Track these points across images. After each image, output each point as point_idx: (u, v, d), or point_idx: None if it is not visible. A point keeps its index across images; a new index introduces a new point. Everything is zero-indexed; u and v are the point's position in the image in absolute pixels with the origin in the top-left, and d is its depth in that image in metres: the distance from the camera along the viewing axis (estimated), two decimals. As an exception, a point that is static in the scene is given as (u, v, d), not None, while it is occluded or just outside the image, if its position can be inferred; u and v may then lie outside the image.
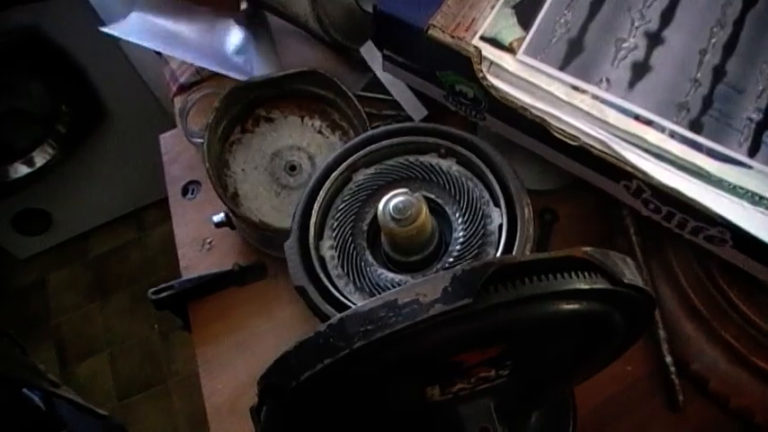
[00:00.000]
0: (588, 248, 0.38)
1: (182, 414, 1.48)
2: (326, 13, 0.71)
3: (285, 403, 0.38)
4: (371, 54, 0.67)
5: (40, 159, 1.35)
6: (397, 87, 0.68)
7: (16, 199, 1.47)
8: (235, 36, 0.71)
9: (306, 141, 0.65)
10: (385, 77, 0.67)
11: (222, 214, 0.68)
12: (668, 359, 0.59)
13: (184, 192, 0.73)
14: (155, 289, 0.65)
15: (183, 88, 0.78)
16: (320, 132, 0.66)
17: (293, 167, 0.65)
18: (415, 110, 0.69)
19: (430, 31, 0.56)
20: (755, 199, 0.55)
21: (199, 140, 0.70)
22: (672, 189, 0.54)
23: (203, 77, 0.78)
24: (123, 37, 0.72)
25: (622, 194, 0.58)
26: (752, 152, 0.57)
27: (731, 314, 0.59)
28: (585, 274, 0.37)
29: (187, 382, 1.50)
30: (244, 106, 0.65)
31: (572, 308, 0.37)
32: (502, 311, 0.35)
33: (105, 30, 0.72)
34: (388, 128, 0.50)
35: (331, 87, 0.65)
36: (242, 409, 0.65)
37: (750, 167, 0.56)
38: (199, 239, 0.70)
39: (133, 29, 0.73)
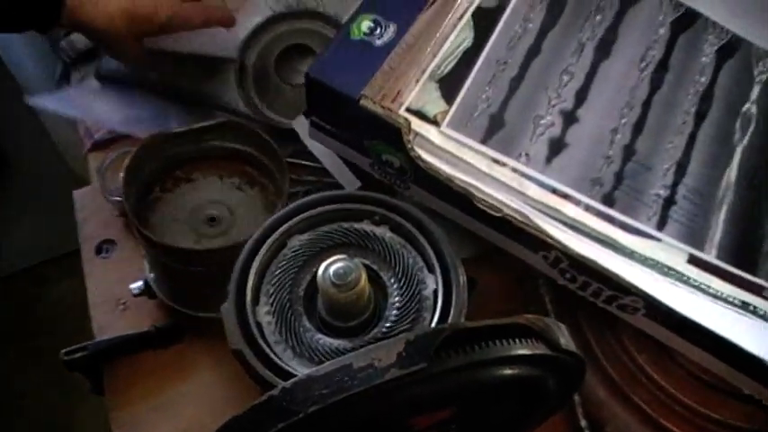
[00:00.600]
0: (529, 316, 0.40)
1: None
2: (255, 94, 0.73)
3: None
4: (302, 127, 0.68)
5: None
6: (329, 159, 0.70)
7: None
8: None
9: (225, 197, 0.66)
10: (317, 149, 0.68)
11: (141, 282, 0.67)
12: (583, 423, 0.62)
13: (98, 250, 0.71)
14: (67, 350, 0.64)
15: (98, 145, 0.77)
16: (239, 188, 0.67)
17: (213, 219, 0.65)
18: (349, 182, 0.70)
19: (362, 101, 0.58)
20: (665, 270, 0.59)
21: (116, 198, 0.70)
22: (588, 260, 0.58)
23: (119, 134, 0.77)
24: (47, 107, 0.73)
25: (540, 264, 0.61)
26: (660, 226, 0.61)
27: (641, 379, 0.63)
28: (528, 340, 0.39)
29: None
30: (162, 163, 0.65)
31: (515, 372, 0.39)
32: (454, 376, 0.37)
33: (32, 102, 0.72)
34: (323, 195, 0.52)
35: (250, 140, 0.66)
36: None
37: (659, 240, 0.61)
38: (112, 300, 0.69)
39: (55, 102, 0.74)
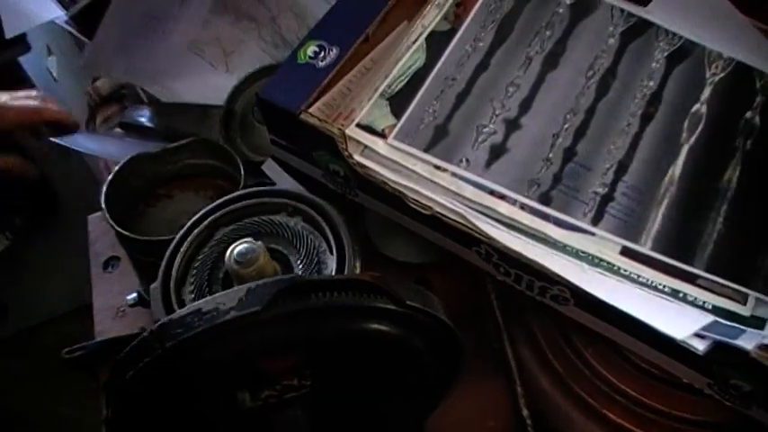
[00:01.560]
0: (374, 273, 0.45)
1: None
2: (238, 134, 0.82)
3: (119, 401, 0.45)
4: (272, 169, 0.76)
5: (-5, 248, 1.46)
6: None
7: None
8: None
9: (199, 207, 0.73)
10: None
11: (135, 294, 0.76)
12: (525, 412, 0.65)
13: (105, 266, 0.81)
14: (69, 349, 0.72)
15: (111, 176, 0.88)
16: (211, 199, 0.73)
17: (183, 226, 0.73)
18: None
19: (302, 116, 0.65)
20: (595, 261, 0.62)
21: (117, 220, 0.80)
22: (513, 251, 0.62)
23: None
24: (70, 145, 0.84)
25: (476, 260, 0.65)
26: (595, 221, 0.64)
27: (585, 371, 0.65)
28: (369, 294, 0.44)
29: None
30: (145, 181, 0.74)
31: (360, 326, 0.44)
32: (288, 320, 0.43)
33: (54, 140, 0.84)
34: (245, 191, 0.59)
35: (216, 154, 0.75)
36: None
37: (593, 234, 0.64)
38: (113, 308, 0.78)
39: (78, 142, 0.86)
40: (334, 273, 0.54)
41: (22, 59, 1.14)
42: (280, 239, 0.57)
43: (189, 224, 0.58)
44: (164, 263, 0.56)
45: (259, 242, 0.53)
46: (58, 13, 0.81)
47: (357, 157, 0.66)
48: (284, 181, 0.77)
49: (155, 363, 0.43)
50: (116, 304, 0.78)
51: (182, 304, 0.55)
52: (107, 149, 0.85)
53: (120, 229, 0.67)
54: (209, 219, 0.58)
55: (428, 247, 0.71)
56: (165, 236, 0.72)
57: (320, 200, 0.58)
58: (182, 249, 0.57)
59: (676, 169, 0.67)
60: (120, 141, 0.86)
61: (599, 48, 0.73)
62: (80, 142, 0.84)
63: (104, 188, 0.70)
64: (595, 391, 0.64)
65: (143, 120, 0.87)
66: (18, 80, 1.16)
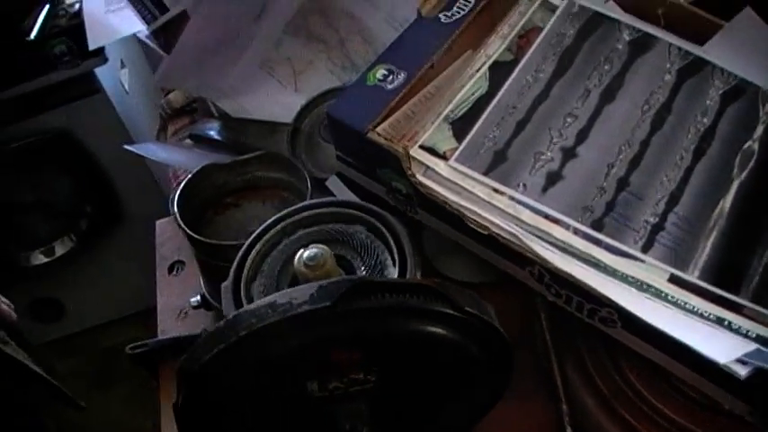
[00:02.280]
0: (437, 280, 0.49)
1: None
2: (303, 151, 0.87)
3: (193, 386, 0.50)
4: (336, 185, 0.81)
5: (59, 250, 1.52)
6: None
7: (33, 286, 1.64)
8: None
9: (265, 215, 0.78)
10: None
11: (198, 296, 0.81)
12: (569, 430, 0.68)
13: (170, 269, 0.87)
14: (133, 345, 0.78)
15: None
16: (278, 209, 0.78)
17: (252, 233, 0.77)
18: None
19: (369, 134, 0.70)
20: (643, 287, 0.66)
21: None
22: (564, 272, 0.65)
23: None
24: (142, 153, 0.90)
25: (529, 280, 0.69)
26: (645, 249, 0.68)
27: (629, 394, 0.68)
28: (430, 298, 0.48)
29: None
30: (214, 190, 0.79)
31: (414, 326, 0.48)
32: (356, 318, 0.47)
33: (128, 147, 0.90)
34: (314, 201, 0.64)
35: (284, 167, 0.80)
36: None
37: (642, 261, 0.67)
38: (176, 309, 0.83)
39: (150, 150, 0.92)
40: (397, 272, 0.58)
41: (98, 71, 1.21)
42: (345, 247, 0.61)
43: (261, 228, 0.63)
44: (236, 263, 0.61)
45: (325, 247, 0.57)
46: (140, 27, 0.87)
47: (419, 177, 0.70)
48: (347, 197, 0.81)
49: (228, 349, 0.48)
50: (179, 306, 0.83)
51: (250, 301, 0.59)
52: (177, 159, 0.91)
53: (191, 233, 0.72)
54: (280, 225, 0.63)
55: (483, 267, 0.75)
56: (233, 241, 0.78)
57: (384, 212, 0.62)
58: (253, 251, 0.61)
59: (726, 203, 0.70)
60: (189, 152, 0.92)
61: (656, 83, 0.76)
62: (152, 151, 0.90)
63: (176, 195, 0.75)
64: (639, 414, 0.67)
65: (212, 133, 0.92)
66: (93, 90, 1.24)
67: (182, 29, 0.85)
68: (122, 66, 1.17)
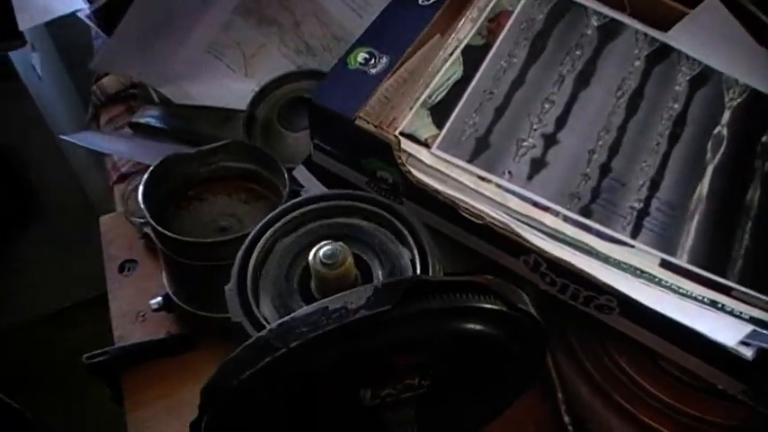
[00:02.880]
0: (489, 276, 0.47)
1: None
2: (260, 140, 0.83)
3: (226, 403, 0.45)
4: (303, 175, 0.77)
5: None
6: None
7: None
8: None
9: (234, 210, 0.75)
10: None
11: (159, 298, 0.75)
12: (566, 419, 0.67)
13: (121, 269, 0.80)
14: (89, 354, 0.71)
15: (124, 177, 0.87)
16: (246, 202, 0.76)
17: (223, 229, 0.74)
18: None
19: (357, 121, 0.67)
20: (637, 273, 0.66)
21: (138, 219, 0.79)
22: (564, 261, 0.65)
23: (142, 167, 0.87)
24: (81, 143, 0.83)
25: (522, 269, 0.68)
26: (634, 234, 0.68)
27: (622, 379, 0.68)
28: (486, 296, 0.46)
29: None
30: (176, 183, 0.74)
31: (473, 325, 0.46)
32: (416, 320, 0.44)
33: (65, 138, 0.82)
34: (330, 192, 0.60)
35: (252, 156, 0.75)
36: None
37: (632, 246, 0.67)
38: (133, 312, 0.77)
39: (88, 140, 0.85)
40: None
41: (12, 54, 1.11)
42: (357, 243, 0.58)
43: (261, 225, 0.58)
44: (237, 264, 0.56)
45: (344, 245, 0.54)
46: (81, 6, 0.80)
47: (403, 158, 0.68)
48: (315, 187, 0.78)
49: (275, 362, 0.43)
50: (135, 309, 0.77)
51: (257, 304, 0.55)
52: (120, 149, 0.84)
53: (166, 232, 0.67)
54: (285, 218, 0.59)
55: (464, 256, 0.73)
56: (200, 238, 0.73)
57: (400, 207, 0.59)
58: (255, 252, 0.57)
59: (703, 188, 0.72)
60: (131, 141, 0.85)
61: (626, 69, 0.77)
62: (90, 140, 0.83)
63: (141, 189, 0.69)
64: (634, 398, 0.67)
65: (154, 121, 0.86)
66: (8, 75, 1.13)
67: (125, 9, 0.79)
68: (33, 49, 1.07)
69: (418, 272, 0.56)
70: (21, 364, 1.70)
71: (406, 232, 0.58)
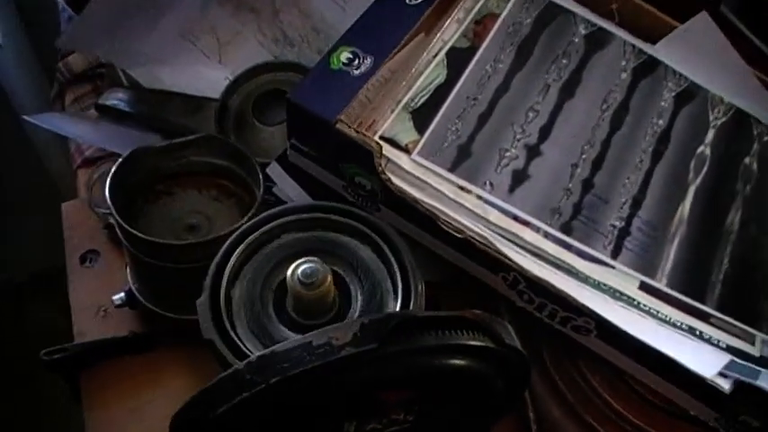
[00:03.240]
0: (476, 311, 0.45)
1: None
2: (233, 132, 0.79)
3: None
4: (276, 173, 0.74)
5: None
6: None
7: None
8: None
9: (204, 208, 0.71)
10: (294, 195, 0.73)
11: (122, 294, 0.72)
12: (537, 440, 0.66)
13: (82, 260, 0.76)
14: (47, 350, 0.67)
15: (88, 162, 0.82)
16: (217, 200, 0.72)
17: (192, 227, 0.70)
18: None
19: (338, 125, 0.64)
20: (616, 295, 0.64)
21: (102, 210, 0.75)
22: (544, 281, 0.62)
23: (108, 152, 0.82)
24: (44, 125, 0.78)
25: (500, 286, 0.66)
26: (614, 254, 0.66)
27: (594, 400, 0.67)
28: (474, 333, 0.44)
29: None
30: (144, 176, 0.70)
31: (462, 362, 0.44)
32: (403, 358, 0.41)
33: (27, 118, 0.77)
34: (308, 203, 0.57)
35: (225, 152, 0.72)
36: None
37: (612, 267, 0.65)
38: (94, 307, 0.73)
39: (52, 122, 0.80)
40: (398, 306, 0.53)
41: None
42: (336, 260, 0.55)
43: (236, 235, 0.55)
44: (210, 274, 0.53)
45: (324, 264, 0.51)
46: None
47: (383, 165, 0.65)
48: (288, 186, 0.74)
49: (255, 398, 0.41)
50: (97, 303, 0.73)
51: (231, 321, 0.52)
52: (84, 133, 0.80)
53: (134, 231, 0.63)
54: (266, 227, 0.55)
55: (437, 265, 0.71)
56: (168, 236, 0.69)
57: (387, 226, 0.56)
58: (228, 265, 0.54)
59: (685, 209, 0.70)
60: (97, 125, 0.80)
61: (612, 81, 0.75)
62: (55, 123, 0.79)
63: (108, 182, 0.65)
64: (605, 420, 0.66)
65: (122, 104, 0.81)
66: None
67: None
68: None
69: (399, 293, 0.53)
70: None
71: (386, 249, 0.55)
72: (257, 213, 0.66)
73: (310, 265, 0.50)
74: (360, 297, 0.54)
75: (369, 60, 0.67)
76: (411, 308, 0.52)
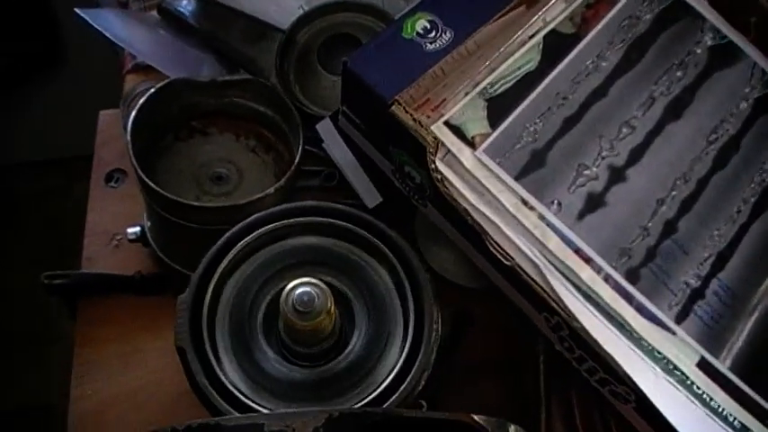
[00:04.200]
0: (478, 417, 0.34)
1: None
2: (292, 71, 0.69)
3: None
4: (327, 131, 0.64)
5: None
6: (350, 169, 0.65)
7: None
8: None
9: (238, 157, 0.62)
10: (338, 157, 0.64)
11: (138, 228, 0.64)
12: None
13: (108, 178, 0.68)
14: (49, 274, 0.61)
15: (138, 68, 0.72)
16: (253, 151, 0.63)
17: (220, 177, 0.62)
18: (369, 195, 0.65)
19: (393, 107, 0.52)
20: (669, 368, 0.53)
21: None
22: (590, 337, 0.51)
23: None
24: (94, 24, 0.68)
25: (541, 324, 0.55)
26: (679, 318, 0.54)
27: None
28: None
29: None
30: (180, 110, 0.61)
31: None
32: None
33: (79, 11, 0.68)
34: (327, 206, 0.46)
35: (271, 101, 0.62)
36: (107, 423, 0.61)
37: (674, 333, 0.54)
38: (109, 233, 0.66)
39: (104, 21, 0.70)
40: (408, 343, 0.43)
41: None
42: (343, 276, 0.45)
43: (236, 229, 0.45)
44: (200, 269, 0.44)
45: (323, 286, 0.41)
46: None
47: (437, 162, 0.53)
48: (337, 147, 0.64)
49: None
50: (112, 230, 0.65)
51: (211, 332, 0.43)
52: (134, 41, 0.70)
53: (150, 183, 0.53)
54: (266, 228, 0.45)
55: (478, 272, 0.60)
56: (190, 183, 0.60)
57: (414, 256, 0.46)
58: (224, 261, 0.44)
59: (774, 281, 0.57)
60: (151, 32, 0.70)
61: (728, 109, 0.61)
62: (108, 22, 0.69)
63: (133, 114, 0.56)
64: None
65: (187, 14, 0.71)
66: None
67: None
68: None
69: (409, 339, 0.43)
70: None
71: (405, 280, 0.45)
72: (294, 178, 0.56)
73: (307, 289, 0.40)
74: (364, 329, 0.44)
75: (448, 35, 0.55)
76: (418, 361, 0.42)
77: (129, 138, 0.55)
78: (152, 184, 0.54)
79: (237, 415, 0.34)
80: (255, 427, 0.32)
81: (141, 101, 0.56)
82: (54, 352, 1.35)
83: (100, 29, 0.67)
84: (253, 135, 0.62)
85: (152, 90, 0.57)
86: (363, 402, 0.41)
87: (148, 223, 0.62)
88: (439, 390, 0.62)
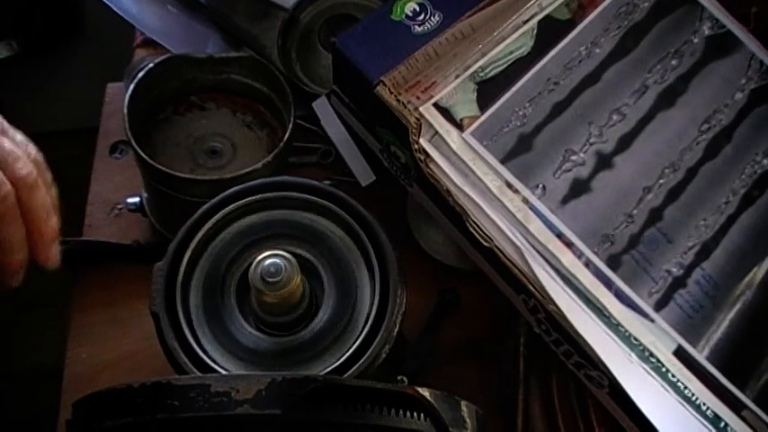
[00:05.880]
0: (424, 389, 0.34)
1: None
2: (294, 49, 0.69)
3: None
4: (323, 109, 0.63)
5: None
6: (345, 147, 0.65)
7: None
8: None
9: (233, 132, 0.62)
10: (334, 134, 0.63)
11: (137, 198, 0.64)
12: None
13: (113, 149, 0.68)
14: (51, 239, 0.61)
15: (146, 43, 0.73)
16: (249, 127, 0.63)
17: (214, 151, 0.62)
18: (363, 173, 0.66)
19: (378, 88, 0.52)
20: (645, 354, 0.51)
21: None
22: (566, 321, 0.50)
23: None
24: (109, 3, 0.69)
25: (520, 305, 0.54)
26: (659, 306, 0.53)
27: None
28: (414, 414, 0.33)
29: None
30: (179, 84, 0.61)
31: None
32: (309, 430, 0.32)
33: None
34: (282, 179, 0.47)
35: (266, 79, 0.61)
36: (101, 385, 0.61)
37: (652, 321, 0.53)
38: (110, 202, 0.66)
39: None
40: (375, 304, 0.43)
41: None
42: (309, 246, 0.45)
43: (210, 204, 0.46)
44: (176, 239, 0.44)
45: (291, 258, 0.41)
46: None
47: (423, 143, 0.53)
48: (333, 126, 0.64)
49: (139, 428, 0.32)
50: (114, 200, 0.66)
51: (184, 299, 0.43)
52: (145, 19, 0.70)
53: (144, 155, 0.54)
54: (241, 201, 0.45)
55: (464, 252, 0.60)
56: (185, 155, 0.60)
57: (373, 218, 0.46)
58: (199, 234, 0.44)
59: (759, 272, 0.56)
60: (160, 8, 0.71)
61: (723, 100, 0.59)
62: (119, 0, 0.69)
63: (131, 87, 0.56)
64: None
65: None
66: None
67: None
68: None
69: (376, 295, 0.43)
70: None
71: (367, 242, 0.45)
72: (282, 154, 0.57)
73: (275, 260, 0.40)
74: (333, 287, 0.44)
75: (436, 18, 0.55)
76: (388, 315, 0.42)
77: (125, 110, 0.55)
78: (144, 156, 0.54)
79: (189, 376, 0.34)
80: (203, 387, 0.32)
81: (140, 75, 0.57)
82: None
83: (110, 4, 0.67)
84: (249, 111, 0.62)
85: (150, 65, 0.58)
86: (326, 372, 0.41)
87: (146, 194, 0.63)
88: (422, 367, 0.63)
